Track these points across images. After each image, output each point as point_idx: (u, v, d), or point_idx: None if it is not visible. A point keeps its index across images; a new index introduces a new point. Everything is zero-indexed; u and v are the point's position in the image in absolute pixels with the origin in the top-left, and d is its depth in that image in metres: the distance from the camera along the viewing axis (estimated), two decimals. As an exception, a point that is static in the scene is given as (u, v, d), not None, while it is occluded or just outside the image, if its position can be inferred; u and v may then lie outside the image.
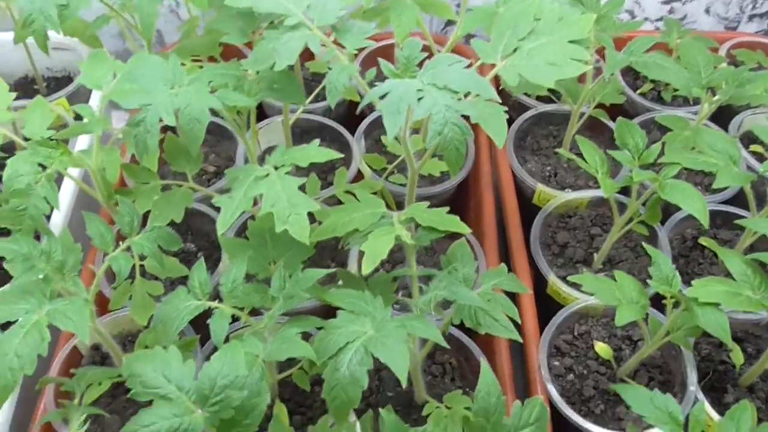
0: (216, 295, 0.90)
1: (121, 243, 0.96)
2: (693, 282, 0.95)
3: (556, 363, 1.14)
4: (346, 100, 1.50)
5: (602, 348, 1.14)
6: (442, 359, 1.14)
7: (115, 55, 1.80)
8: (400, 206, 1.29)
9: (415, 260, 0.93)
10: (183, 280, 1.15)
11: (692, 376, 1.06)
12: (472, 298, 0.86)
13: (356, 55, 1.52)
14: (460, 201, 1.45)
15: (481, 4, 1.72)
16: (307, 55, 1.13)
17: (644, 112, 1.49)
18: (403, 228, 0.86)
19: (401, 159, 1.32)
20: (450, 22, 1.83)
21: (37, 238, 0.95)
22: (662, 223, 1.24)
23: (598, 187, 1.10)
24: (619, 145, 1.13)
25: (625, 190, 1.21)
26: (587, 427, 1.03)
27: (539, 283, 1.24)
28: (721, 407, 1.07)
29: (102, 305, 1.11)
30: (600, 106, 1.38)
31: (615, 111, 1.42)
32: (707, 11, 1.78)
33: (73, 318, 0.80)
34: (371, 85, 0.87)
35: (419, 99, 0.78)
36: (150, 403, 0.74)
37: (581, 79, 1.27)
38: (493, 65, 0.87)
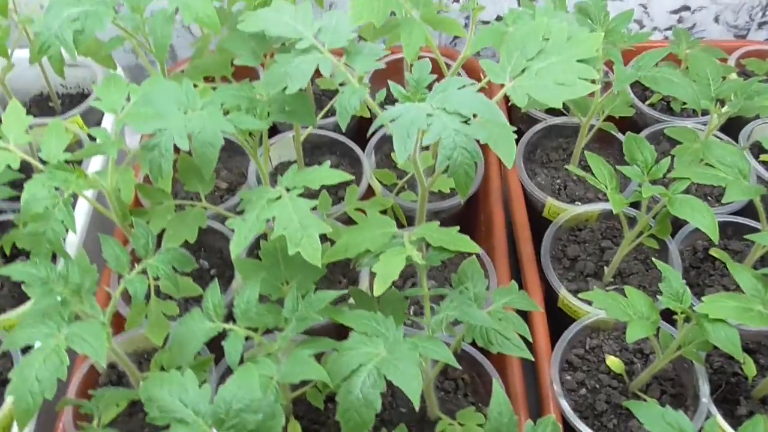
0: (229, 314, 0.91)
1: (135, 264, 0.97)
2: (704, 298, 0.95)
3: (568, 377, 1.14)
4: (357, 115, 1.51)
5: (614, 362, 1.15)
6: (455, 375, 1.15)
7: (128, 70, 1.84)
8: (410, 221, 1.30)
9: (426, 274, 0.94)
10: (197, 299, 1.17)
11: (705, 389, 1.07)
12: (483, 319, 0.87)
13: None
14: (470, 215, 1.45)
15: (488, 12, 1.74)
16: (318, 71, 1.15)
17: (653, 123, 1.49)
18: (414, 248, 0.87)
19: (411, 174, 1.33)
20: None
21: (53, 257, 0.96)
22: (673, 235, 1.24)
23: (608, 200, 1.10)
24: (628, 160, 1.14)
25: (635, 203, 1.21)
26: (600, 442, 1.04)
27: (550, 296, 1.24)
28: (734, 420, 1.08)
29: (118, 324, 1.13)
30: (609, 118, 1.39)
31: (624, 122, 1.43)
32: (716, 20, 1.78)
33: (90, 341, 0.81)
34: (382, 105, 0.88)
35: (429, 124, 0.79)
36: (167, 426, 0.75)
37: (590, 92, 1.28)
38: (502, 85, 0.88)
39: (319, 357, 0.87)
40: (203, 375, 1.00)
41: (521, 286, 1.06)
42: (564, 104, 1.56)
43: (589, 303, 1.15)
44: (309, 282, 0.96)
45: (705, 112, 1.52)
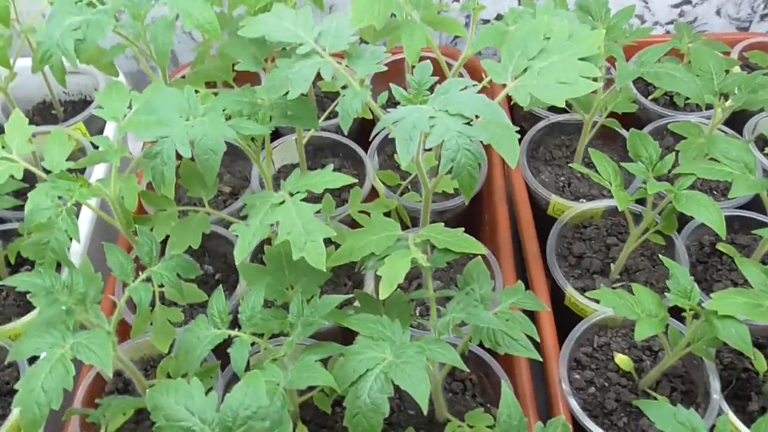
0: (235, 319, 0.91)
1: (140, 272, 0.97)
2: (712, 294, 0.95)
3: (577, 376, 1.14)
4: (359, 117, 1.51)
5: (622, 360, 1.14)
6: (463, 376, 1.14)
7: (130, 76, 1.84)
8: (414, 221, 1.30)
9: (432, 275, 0.93)
10: (202, 304, 1.17)
11: (715, 385, 1.06)
12: (489, 320, 0.86)
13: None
14: (474, 214, 1.45)
15: (488, 11, 1.73)
16: (319, 74, 1.15)
17: (657, 118, 1.48)
18: (419, 250, 0.87)
19: (415, 175, 1.33)
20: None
21: (58, 266, 0.96)
22: (679, 230, 1.23)
23: (613, 196, 1.10)
24: (633, 157, 1.13)
25: (640, 199, 1.20)
26: (610, 441, 1.03)
27: (556, 294, 1.24)
28: (746, 416, 1.07)
29: (123, 332, 1.13)
30: (612, 114, 1.38)
31: (627, 118, 1.42)
32: (718, 13, 1.77)
33: (96, 351, 0.81)
34: (384, 108, 0.87)
35: (431, 126, 0.79)
36: (175, 434, 0.75)
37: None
38: (504, 85, 0.87)
39: (325, 361, 0.86)
40: (209, 382, 0.99)
41: (527, 285, 1.05)
42: (567, 101, 1.55)
43: (597, 301, 1.14)
44: (314, 286, 0.96)
45: (709, 106, 1.51)
